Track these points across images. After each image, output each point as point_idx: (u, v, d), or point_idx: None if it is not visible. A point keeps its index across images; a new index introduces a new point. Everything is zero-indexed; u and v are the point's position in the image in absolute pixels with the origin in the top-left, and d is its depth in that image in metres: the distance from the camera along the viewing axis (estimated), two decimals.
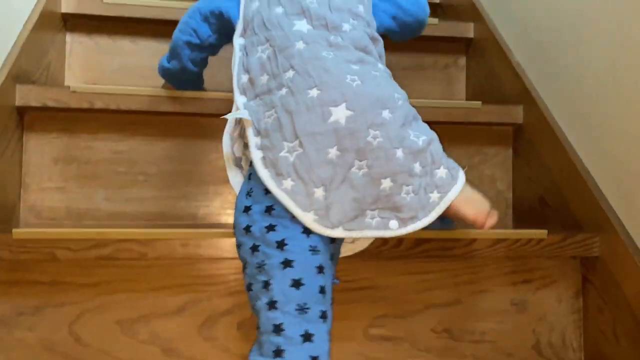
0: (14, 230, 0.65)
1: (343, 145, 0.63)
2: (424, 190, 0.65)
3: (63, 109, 0.87)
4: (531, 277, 0.79)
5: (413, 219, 0.64)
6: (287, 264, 0.60)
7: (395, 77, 1.21)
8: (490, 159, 1.02)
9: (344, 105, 0.64)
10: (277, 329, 0.59)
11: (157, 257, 0.69)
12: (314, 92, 0.65)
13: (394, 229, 0.63)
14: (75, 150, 0.89)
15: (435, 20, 1.22)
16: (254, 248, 0.62)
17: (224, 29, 0.79)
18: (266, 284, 0.60)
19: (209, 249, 0.69)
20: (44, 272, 0.69)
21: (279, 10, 0.72)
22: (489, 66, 1.12)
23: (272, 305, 0.59)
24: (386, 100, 0.66)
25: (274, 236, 0.61)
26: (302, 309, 0.59)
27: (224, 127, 0.69)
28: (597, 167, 0.82)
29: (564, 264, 0.80)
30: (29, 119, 0.88)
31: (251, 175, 0.65)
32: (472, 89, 1.20)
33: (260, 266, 0.61)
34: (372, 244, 0.71)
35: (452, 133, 1.00)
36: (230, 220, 0.74)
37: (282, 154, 0.63)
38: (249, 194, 0.64)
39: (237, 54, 0.72)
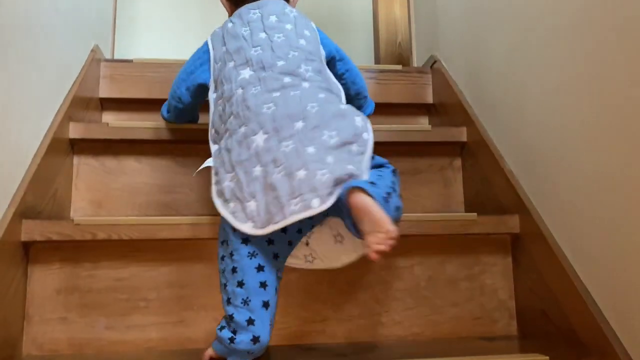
0: None
1: (264, 161, 0.78)
2: (339, 169, 0.75)
3: (66, 241, 0.89)
4: None
5: (330, 194, 0.74)
6: (234, 270, 0.78)
7: None
8: (489, 269, 1.02)
9: (260, 132, 0.80)
10: (230, 318, 0.76)
11: None
12: (242, 129, 0.82)
13: (316, 207, 0.74)
14: (78, 279, 0.91)
15: (427, 127, 1.26)
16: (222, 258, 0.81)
17: (201, 91, 1.00)
18: (225, 285, 0.79)
19: None
20: None
21: (231, 64, 0.91)
22: (483, 171, 1.15)
23: (228, 301, 0.77)
24: (298, 114, 0.81)
25: (224, 250, 0.80)
26: (245, 302, 0.76)
27: None
28: (593, 283, 0.82)
29: None
30: (33, 251, 0.91)
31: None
32: (470, 191, 1.22)
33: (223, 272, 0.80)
34: None
35: (450, 244, 1.01)
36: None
37: (226, 183, 0.81)
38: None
39: (211, 109, 0.93)
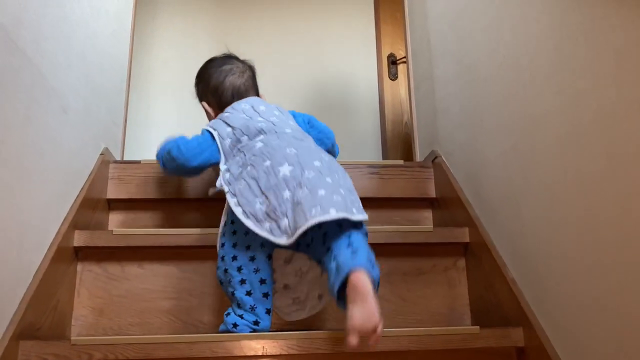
0: None
1: (291, 185, 0.94)
2: (350, 198, 0.94)
3: None
4: None
5: (341, 211, 0.89)
6: (239, 269, 0.97)
7: (395, 283, 1.24)
8: None
9: (286, 164, 0.97)
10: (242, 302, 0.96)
11: None
12: (267, 163, 0.98)
13: (333, 215, 0.87)
14: None
15: (429, 227, 1.26)
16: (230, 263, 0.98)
17: (209, 167, 1.15)
18: (229, 281, 0.97)
19: None
20: None
21: (244, 138, 1.09)
22: (486, 276, 1.13)
23: (232, 294, 0.97)
24: (316, 155, 1.00)
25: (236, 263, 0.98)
26: (249, 293, 0.96)
27: None
28: None
29: None
30: None
31: (233, 221, 1.00)
32: (475, 293, 1.20)
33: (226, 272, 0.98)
34: None
35: (453, 357, 0.99)
36: None
37: (257, 206, 0.94)
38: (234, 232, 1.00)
39: (223, 167, 1.07)
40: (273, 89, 2.78)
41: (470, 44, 1.27)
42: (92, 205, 1.28)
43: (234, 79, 1.25)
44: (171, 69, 2.65)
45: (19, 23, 0.92)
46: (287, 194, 0.93)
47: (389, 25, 2.96)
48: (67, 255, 1.10)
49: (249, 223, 0.93)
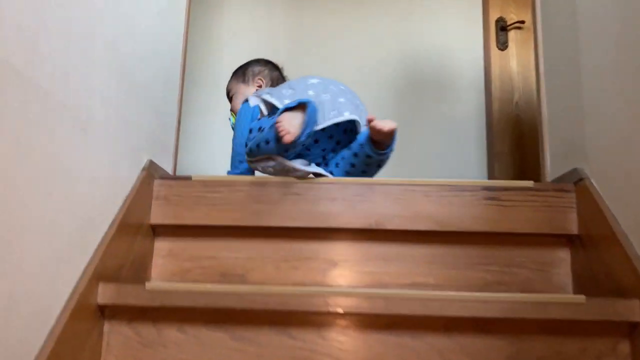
0: None
1: (316, 90, 1.21)
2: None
3: None
4: None
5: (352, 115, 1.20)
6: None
7: None
8: None
9: (316, 78, 1.25)
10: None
11: None
12: (300, 77, 1.29)
13: (347, 117, 1.18)
14: None
15: (581, 299, 0.87)
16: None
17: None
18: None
19: None
20: None
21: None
22: None
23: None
24: (343, 85, 1.28)
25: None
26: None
27: None
28: None
29: None
30: None
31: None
32: None
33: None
34: None
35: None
36: None
37: (283, 92, 1.23)
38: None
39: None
40: (354, 67, 2.41)
41: None
42: (132, 234, 1.03)
43: None
44: (235, 57, 2.34)
45: None
46: (311, 93, 1.17)
47: None
48: (89, 314, 0.86)
49: (273, 100, 1.19)
